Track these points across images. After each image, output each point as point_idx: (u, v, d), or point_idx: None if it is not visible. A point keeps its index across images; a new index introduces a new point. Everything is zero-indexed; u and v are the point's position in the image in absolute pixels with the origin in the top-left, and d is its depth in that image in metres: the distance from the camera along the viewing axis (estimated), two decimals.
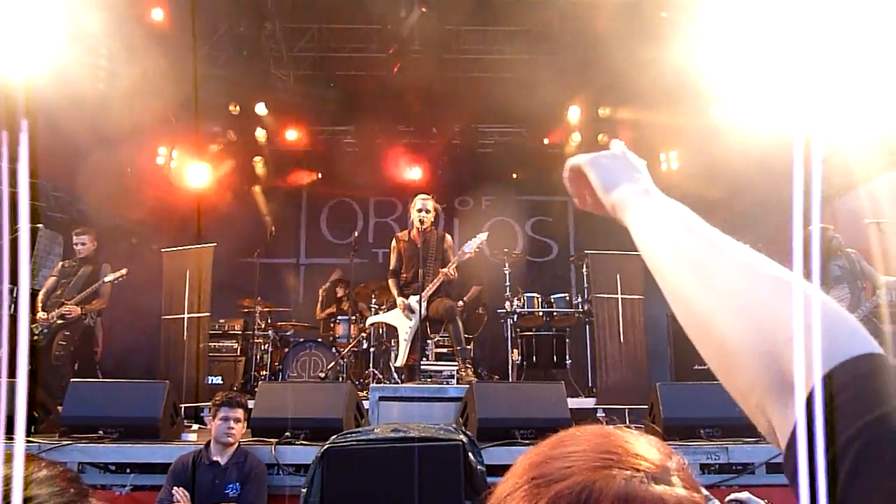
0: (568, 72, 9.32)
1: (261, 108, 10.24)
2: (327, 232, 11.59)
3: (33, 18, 5.75)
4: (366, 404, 5.44)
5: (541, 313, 7.88)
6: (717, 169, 8.94)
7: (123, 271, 6.80)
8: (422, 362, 6.47)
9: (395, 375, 6.76)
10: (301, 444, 4.57)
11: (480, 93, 10.06)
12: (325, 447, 3.97)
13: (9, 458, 0.50)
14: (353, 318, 8.30)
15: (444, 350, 7.30)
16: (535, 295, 7.95)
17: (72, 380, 5.38)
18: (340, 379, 7.43)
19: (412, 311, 6.49)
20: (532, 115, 10.19)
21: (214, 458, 4.23)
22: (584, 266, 7.90)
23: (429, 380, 6.28)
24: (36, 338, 6.47)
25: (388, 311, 7.13)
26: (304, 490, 3.90)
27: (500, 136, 11.43)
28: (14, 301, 5.39)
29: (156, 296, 7.27)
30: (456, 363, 6.44)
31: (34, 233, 8.12)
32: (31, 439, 4.69)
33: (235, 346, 8.34)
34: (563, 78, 9.30)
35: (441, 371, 6.45)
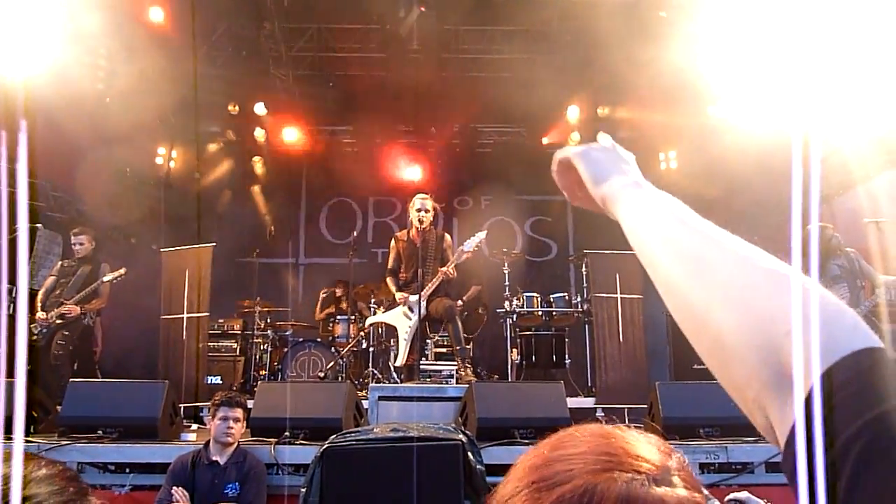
0: (567, 71, 9.33)
1: (260, 108, 10.24)
2: (326, 232, 11.60)
3: (32, 18, 5.75)
4: (365, 404, 5.44)
5: (540, 313, 7.88)
6: (715, 168, 8.94)
7: (122, 271, 6.80)
8: (421, 362, 6.47)
9: (395, 375, 6.76)
10: (300, 444, 4.57)
11: (479, 92, 10.07)
12: (325, 447, 3.97)
13: (8, 458, 0.50)
14: (353, 317, 8.30)
15: (444, 350, 7.30)
16: (535, 294, 7.95)
17: (71, 379, 5.38)
18: (340, 379, 7.43)
19: (412, 311, 6.49)
20: (531, 114, 10.20)
21: (214, 458, 4.23)
22: (584, 266, 7.90)
23: (428, 379, 6.28)
24: (35, 338, 6.47)
25: (387, 310, 7.13)
26: (304, 490, 3.90)
27: (500, 136, 11.44)
28: (13, 301, 5.37)
29: (155, 296, 7.27)
30: (455, 363, 6.44)
31: (33, 233, 8.11)
32: (30, 439, 4.69)
33: (235, 345, 8.33)
34: (562, 77, 9.30)
35: (440, 371, 6.45)
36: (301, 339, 8.30)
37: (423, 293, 6.39)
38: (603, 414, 6.44)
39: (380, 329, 7.63)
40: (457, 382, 6.11)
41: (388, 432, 4.04)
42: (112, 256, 7.39)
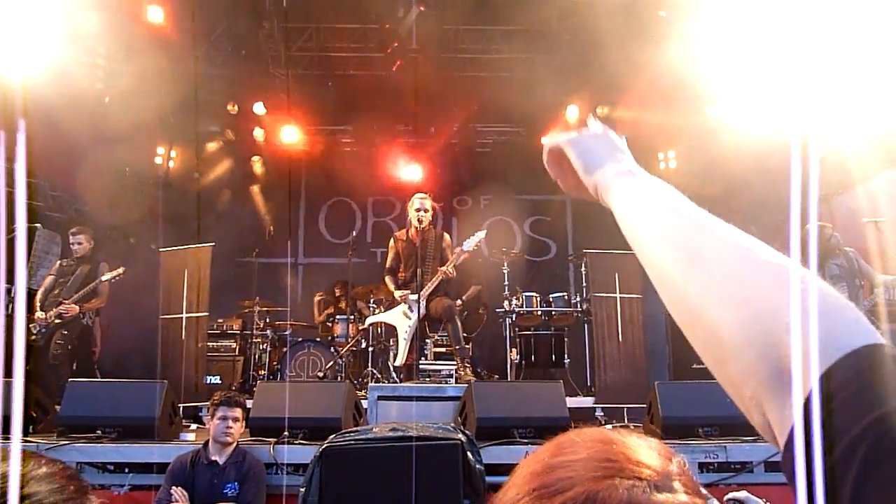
0: (566, 71, 9.32)
1: (259, 108, 10.23)
2: (326, 231, 11.59)
3: (31, 18, 5.74)
4: (364, 404, 5.45)
5: (539, 312, 7.88)
6: (714, 168, 8.94)
7: (120, 270, 6.79)
8: (420, 361, 6.47)
9: (394, 375, 6.76)
10: (299, 444, 4.57)
11: (478, 92, 10.06)
12: (324, 446, 3.96)
13: (6, 457, 0.50)
14: (352, 317, 8.30)
15: (443, 349, 7.30)
16: (534, 294, 7.95)
17: (70, 379, 5.38)
18: (339, 378, 7.43)
19: (411, 311, 6.49)
20: (530, 114, 10.19)
21: (213, 458, 4.23)
22: (583, 265, 7.91)
23: (427, 379, 6.29)
24: (34, 337, 6.46)
25: (386, 310, 7.12)
26: (303, 489, 3.90)
27: (499, 136, 11.43)
28: (11, 300, 5.38)
29: (154, 295, 7.27)
30: (455, 362, 6.44)
31: (32, 232, 8.11)
32: (28, 439, 4.69)
33: (234, 345, 8.33)
34: (562, 77, 9.30)
35: (440, 370, 6.46)
36: (300, 339, 8.29)
37: (422, 293, 6.39)
38: (602, 413, 6.45)
39: (379, 329, 7.62)
40: (456, 382, 6.12)
41: (388, 432, 4.04)
42: (111, 256, 7.39)
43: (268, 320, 8.72)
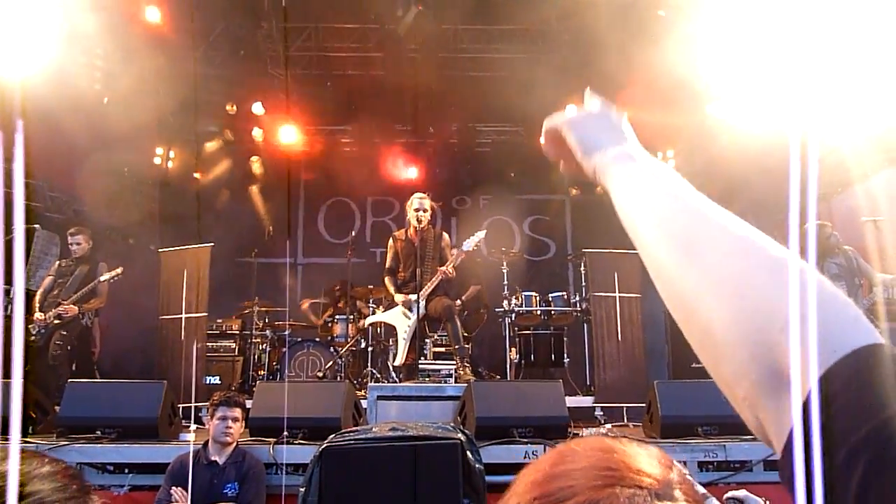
0: (566, 70, 9.31)
1: (258, 108, 10.23)
2: (325, 231, 11.59)
3: (29, 19, 5.74)
4: (364, 403, 5.44)
5: (539, 312, 7.88)
6: (713, 167, 8.95)
7: (119, 270, 6.79)
8: (420, 361, 6.47)
9: (393, 374, 6.76)
10: (299, 444, 4.57)
11: (478, 92, 10.06)
12: (324, 446, 3.96)
13: (6, 457, 0.50)
14: (351, 317, 8.30)
15: (442, 349, 7.30)
16: (533, 294, 7.96)
17: (69, 380, 5.38)
18: (338, 378, 7.43)
19: (411, 311, 6.49)
20: (529, 113, 10.17)
21: (213, 458, 4.23)
22: (582, 265, 7.91)
23: (427, 379, 6.29)
24: (33, 338, 6.46)
25: (386, 310, 7.12)
26: (303, 489, 3.90)
27: (498, 135, 11.43)
28: (10, 301, 5.38)
29: (153, 296, 7.27)
30: (454, 362, 6.44)
31: (30, 233, 8.11)
32: (28, 440, 4.69)
33: (233, 345, 8.33)
34: (561, 77, 9.29)
35: (439, 370, 6.46)
36: (300, 339, 8.29)
37: (421, 293, 6.39)
38: (602, 413, 6.45)
39: (378, 328, 7.63)
40: (455, 381, 6.11)
41: (387, 431, 4.04)
42: (110, 257, 7.38)
43: (267, 320, 8.72)
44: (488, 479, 3.96)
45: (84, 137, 7.97)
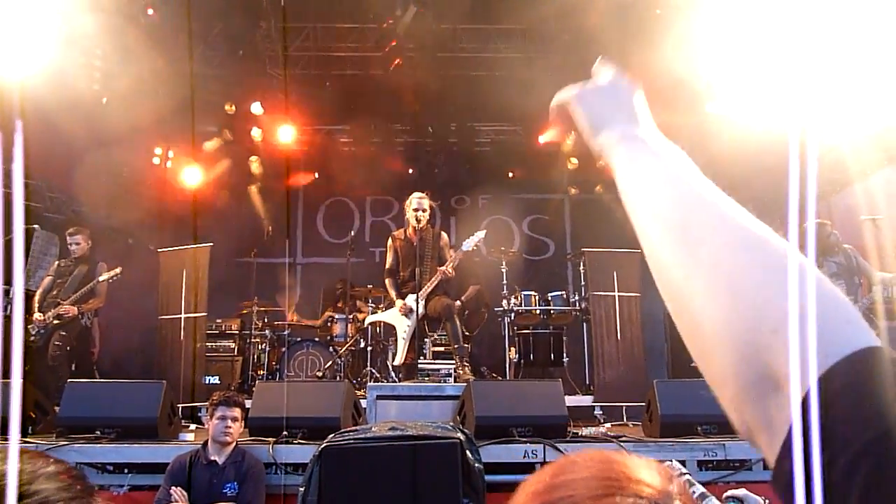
0: (564, 70, 9.31)
1: (256, 108, 10.22)
2: (324, 231, 11.59)
3: (28, 20, 5.73)
4: (363, 403, 5.44)
5: (538, 311, 7.88)
6: (712, 166, 8.84)
7: (117, 270, 6.79)
8: (419, 361, 6.47)
9: (393, 374, 6.76)
10: (298, 443, 4.57)
11: (476, 91, 10.05)
12: (323, 446, 3.96)
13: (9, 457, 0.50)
14: (351, 317, 8.30)
15: (442, 348, 7.30)
16: (533, 293, 7.95)
17: (69, 380, 5.38)
18: (338, 378, 7.44)
19: (411, 311, 6.49)
20: (528, 113, 10.16)
21: (212, 458, 4.23)
22: (581, 264, 7.91)
23: (426, 378, 6.28)
24: (32, 338, 6.46)
25: (385, 309, 7.12)
26: (302, 489, 3.90)
27: (497, 135, 11.43)
28: (10, 302, 5.37)
29: (152, 296, 7.27)
30: (454, 361, 6.44)
31: (30, 234, 8.10)
32: (28, 440, 4.69)
33: (232, 345, 8.33)
34: (560, 76, 9.25)
35: (439, 369, 6.45)
36: (299, 339, 8.29)
37: (421, 292, 6.39)
38: (601, 412, 6.45)
39: (378, 328, 7.63)
40: (455, 381, 6.11)
41: (387, 431, 4.04)
42: (109, 257, 7.38)
43: (266, 320, 8.72)
44: (488, 478, 3.96)
45: (83, 138, 7.97)
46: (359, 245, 10.06)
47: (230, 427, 4.25)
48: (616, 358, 6.78)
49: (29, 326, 6.48)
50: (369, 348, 7.60)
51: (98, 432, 4.73)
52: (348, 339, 7.91)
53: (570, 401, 5.58)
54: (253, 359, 8.36)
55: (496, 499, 3.96)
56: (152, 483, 4.40)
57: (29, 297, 6.73)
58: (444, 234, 6.94)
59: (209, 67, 9.27)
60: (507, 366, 7.70)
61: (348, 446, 3.95)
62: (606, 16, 7.57)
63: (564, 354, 7.83)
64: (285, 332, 8.88)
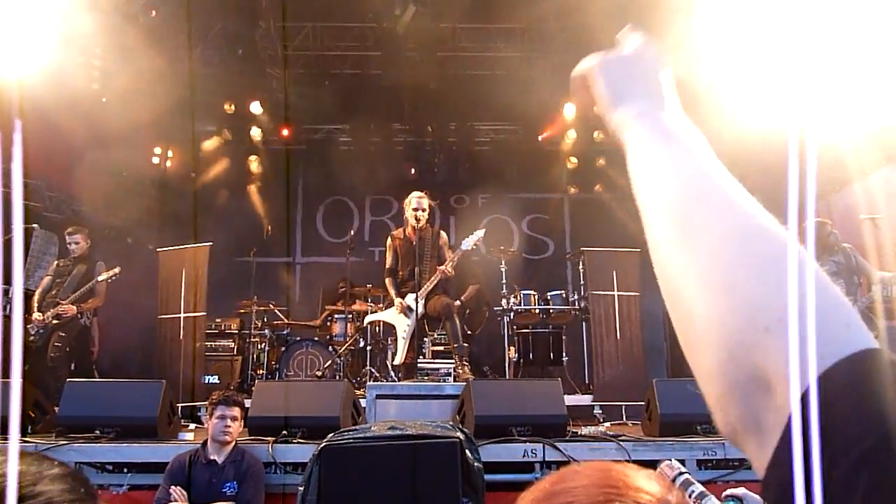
0: (564, 69, 9.27)
1: (256, 107, 10.23)
2: (323, 231, 11.59)
3: (27, 19, 5.73)
4: (363, 402, 5.44)
5: (537, 310, 7.87)
6: None
7: (116, 269, 6.78)
8: (419, 360, 6.48)
9: (392, 373, 6.76)
10: (298, 443, 4.57)
11: (476, 91, 10.06)
12: (323, 445, 3.96)
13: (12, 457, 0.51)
14: (350, 316, 8.30)
15: (441, 348, 7.30)
16: (532, 292, 7.95)
17: (68, 380, 5.37)
18: (337, 377, 7.44)
19: (410, 311, 6.49)
20: (528, 112, 10.19)
21: (211, 457, 4.22)
22: (581, 263, 7.91)
23: (426, 377, 6.29)
24: (32, 338, 6.45)
25: (385, 309, 7.12)
26: (302, 488, 3.90)
27: (496, 134, 11.44)
28: (9, 301, 5.37)
29: (152, 295, 7.27)
30: (453, 361, 6.45)
31: (29, 233, 8.10)
32: (27, 439, 4.68)
33: (232, 345, 8.33)
34: (559, 75, 9.29)
35: (438, 368, 6.46)
36: (298, 338, 8.29)
37: (420, 292, 6.40)
38: (600, 411, 6.46)
39: (378, 327, 7.63)
40: (454, 380, 6.11)
41: (386, 430, 4.04)
42: (109, 256, 7.38)
43: (266, 320, 8.72)
44: (487, 477, 3.96)
45: (82, 137, 7.97)
46: (358, 244, 10.06)
47: (229, 426, 4.25)
48: (615, 357, 6.78)
49: (28, 326, 6.47)
50: (369, 348, 7.60)
51: (97, 432, 4.73)
52: (348, 339, 7.91)
53: (570, 400, 5.59)
54: (252, 358, 8.36)
55: (495, 498, 3.96)
56: (152, 482, 4.40)
57: (28, 296, 6.73)
58: (443, 234, 6.94)
59: (208, 67, 9.27)
60: (507, 365, 7.70)
61: (348, 446, 3.95)
62: (606, 15, 7.56)
63: (564, 354, 7.84)
64: (285, 332, 8.88)
